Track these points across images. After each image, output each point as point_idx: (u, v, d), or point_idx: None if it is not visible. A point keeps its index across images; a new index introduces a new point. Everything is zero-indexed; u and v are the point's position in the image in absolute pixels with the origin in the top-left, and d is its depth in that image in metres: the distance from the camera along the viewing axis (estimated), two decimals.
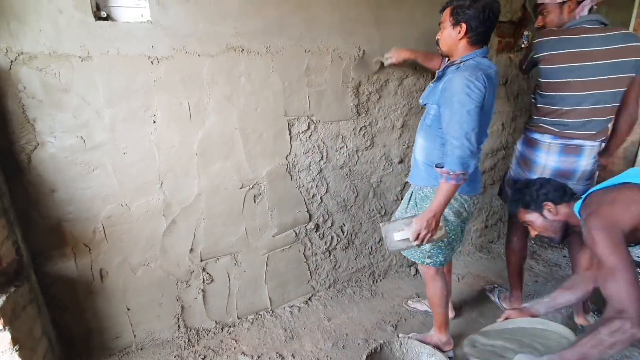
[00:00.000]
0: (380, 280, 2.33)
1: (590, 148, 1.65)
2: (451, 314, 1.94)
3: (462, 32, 1.31)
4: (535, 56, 1.65)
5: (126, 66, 1.44)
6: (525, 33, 2.29)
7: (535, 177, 1.66)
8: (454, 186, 1.29)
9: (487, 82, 1.25)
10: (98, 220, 1.56)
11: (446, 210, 1.41)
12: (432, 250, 1.56)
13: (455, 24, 1.32)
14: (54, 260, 1.55)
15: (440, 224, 1.39)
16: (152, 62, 1.47)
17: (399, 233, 1.41)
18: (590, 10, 1.57)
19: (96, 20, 1.37)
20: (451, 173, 1.27)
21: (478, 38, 1.33)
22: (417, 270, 2.41)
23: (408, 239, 1.39)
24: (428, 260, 1.59)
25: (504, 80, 2.34)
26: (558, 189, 1.37)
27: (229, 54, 1.58)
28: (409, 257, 1.66)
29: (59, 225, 1.51)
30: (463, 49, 1.35)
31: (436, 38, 1.45)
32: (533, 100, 1.78)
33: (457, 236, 1.56)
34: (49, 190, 1.46)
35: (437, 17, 1.63)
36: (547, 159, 1.70)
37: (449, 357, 1.69)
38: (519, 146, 1.85)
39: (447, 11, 1.36)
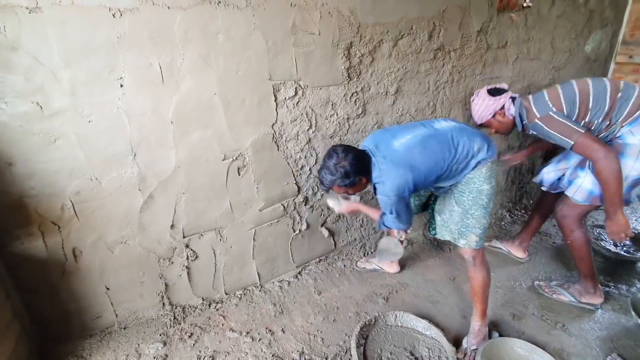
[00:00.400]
0: (372, 253, 2.28)
1: None
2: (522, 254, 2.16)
3: (365, 180, 1.45)
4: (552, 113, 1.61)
5: (83, 19, 1.24)
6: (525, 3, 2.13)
7: None
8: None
9: (394, 179, 1.38)
10: (65, 195, 1.42)
11: (493, 182, 1.46)
12: (482, 232, 1.50)
13: (354, 185, 1.43)
14: (19, 240, 1.42)
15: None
16: (113, 15, 1.27)
17: (333, 202, 1.72)
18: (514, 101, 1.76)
19: None
20: (381, 222, 1.59)
21: (367, 165, 1.43)
22: (407, 242, 2.37)
23: (335, 208, 1.72)
24: (482, 243, 1.53)
25: (503, 43, 2.20)
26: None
27: (203, 6, 1.39)
28: (464, 245, 1.53)
29: (21, 202, 1.36)
30: (366, 183, 1.49)
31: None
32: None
33: (493, 206, 1.54)
34: (5, 164, 1.30)
35: None
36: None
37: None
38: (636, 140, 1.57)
39: (337, 189, 1.47)
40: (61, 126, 1.32)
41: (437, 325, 1.64)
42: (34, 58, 1.22)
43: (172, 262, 1.72)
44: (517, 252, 2.21)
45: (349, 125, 1.91)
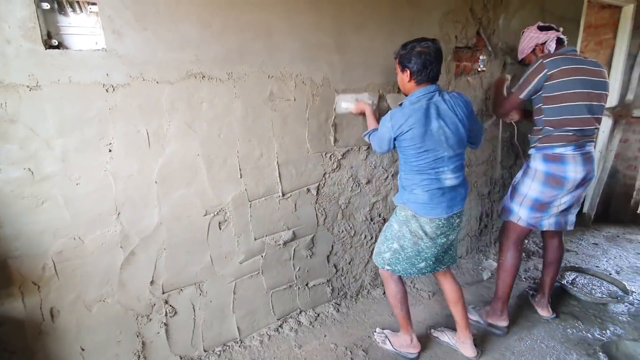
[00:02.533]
0: (354, 301, 2.31)
1: (594, 155, 1.86)
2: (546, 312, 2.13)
3: (408, 76, 1.57)
4: (548, 73, 1.75)
5: (79, 95, 1.39)
6: (482, 57, 2.42)
7: (564, 193, 1.81)
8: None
9: (404, 118, 1.51)
10: (48, 255, 1.46)
11: (404, 227, 1.67)
12: (391, 259, 1.73)
13: (402, 70, 1.59)
14: (0, 301, 1.43)
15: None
16: (107, 90, 1.43)
17: (345, 104, 1.97)
18: (560, 43, 1.89)
19: (46, 49, 1.32)
20: (365, 139, 1.89)
21: (423, 78, 1.55)
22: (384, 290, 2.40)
23: (348, 108, 1.97)
24: (388, 267, 1.76)
25: None
26: None
27: (189, 80, 1.57)
28: (375, 261, 1.82)
29: (5, 264, 1.40)
30: (412, 88, 1.60)
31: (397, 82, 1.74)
32: (540, 117, 1.86)
33: (413, 253, 1.68)
34: None
35: (397, 42, 1.71)
36: (576, 171, 1.77)
37: (411, 359, 1.85)
38: (540, 166, 1.85)
39: (397, 60, 1.62)
40: (49, 189, 1.41)
41: None
42: (30, 129, 1.34)
43: (150, 319, 1.72)
44: (542, 312, 2.15)
45: (325, 179, 2.04)
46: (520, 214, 1.90)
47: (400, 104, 1.60)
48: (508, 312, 1.98)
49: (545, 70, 1.75)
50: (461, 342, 1.85)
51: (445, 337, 1.94)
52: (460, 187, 1.64)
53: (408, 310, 1.82)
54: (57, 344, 1.56)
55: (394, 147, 1.62)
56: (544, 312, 2.13)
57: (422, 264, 1.70)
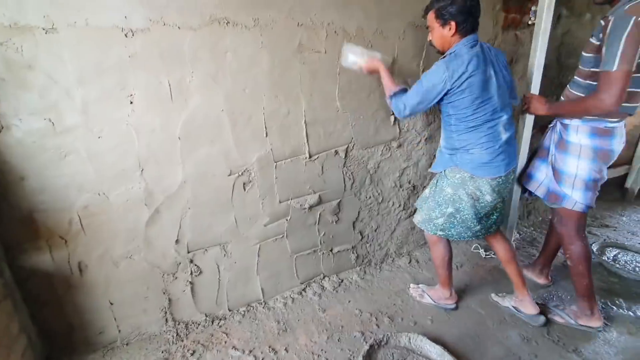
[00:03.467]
0: (378, 269, 2.25)
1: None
2: (544, 280, 2.07)
3: (453, 29, 1.41)
4: None
5: (97, 40, 1.29)
6: (533, 8, 2.14)
7: (606, 168, 1.61)
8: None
9: (464, 64, 1.36)
10: (73, 210, 1.44)
11: (460, 190, 1.57)
12: (445, 224, 1.66)
13: (444, 23, 1.42)
14: (28, 254, 1.44)
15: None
16: (126, 35, 1.32)
17: (354, 57, 1.65)
18: None
19: None
20: (390, 101, 1.61)
21: (468, 28, 1.41)
22: (411, 258, 2.33)
23: (356, 62, 1.65)
24: (440, 233, 1.70)
25: (509, 60, 2.21)
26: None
27: (212, 26, 1.44)
28: (423, 228, 1.75)
29: (31, 217, 1.39)
30: (455, 42, 1.45)
31: (428, 39, 1.56)
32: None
33: (470, 216, 1.60)
34: (18, 178, 1.33)
35: None
36: (620, 144, 1.57)
37: (451, 309, 1.89)
38: (585, 141, 1.57)
39: (432, 14, 1.45)
40: (73, 142, 1.36)
41: (452, 352, 1.58)
42: (49, 77, 1.27)
43: (176, 278, 1.71)
44: (539, 279, 2.07)
45: (354, 141, 1.92)
46: (575, 196, 1.61)
47: (445, 56, 1.44)
48: (597, 310, 1.74)
49: None
50: (520, 301, 1.79)
51: (506, 302, 1.87)
52: (513, 139, 1.57)
53: (451, 270, 1.85)
54: (86, 297, 1.58)
55: (437, 103, 1.47)
56: (545, 280, 2.06)
57: (478, 227, 1.64)
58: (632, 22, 1.26)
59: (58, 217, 1.43)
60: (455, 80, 1.37)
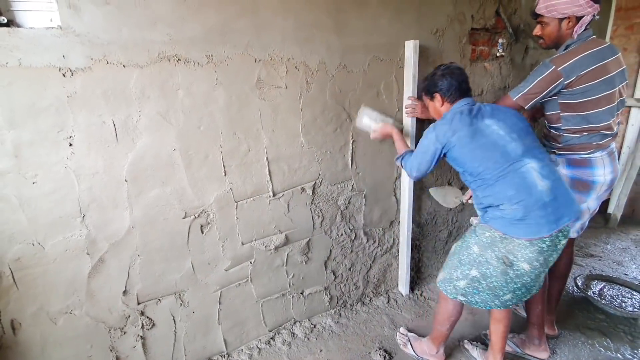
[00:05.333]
0: (354, 311, 2.10)
1: (616, 151, 1.62)
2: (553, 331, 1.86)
3: (440, 100, 1.50)
4: (566, 82, 1.44)
5: (31, 80, 1.20)
6: (500, 41, 2.16)
7: (593, 197, 1.58)
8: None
9: (448, 123, 1.40)
10: (4, 262, 1.29)
11: (488, 251, 1.36)
12: (466, 288, 1.45)
13: (432, 98, 1.53)
14: None
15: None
16: (64, 75, 1.23)
17: (369, 120, 1.76)
18: (589, 23, 1.48)
19: None
20: (399, 163, 1.66)
21: (455, 94, 1.47)
22: (389, 298, 2.20)
23: (371, 126, 1.76)
24: (461, 298, 1.49)
25: (479, 91, 2.19)
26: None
27: (161, 64, 1.36)
28: (442, 289, 1.55)
29: None
30: (446, 109, 1.51)
31: (430, 114, 1.66)
32: (559, 125, 1.57)
33: (499, 284, 1.36)
34: None
35: (404, 22, 1.47)
36: (605, 174, 1.54)
37: None
38: (564, 171, 1.60)
39: (423, 95, 1.59)
40: (2, 189, 1.23)
41: None
42: None
43: (125, 332, 1.55)
44: (549, 331, 1.85)
45: (321, 177, 1.83)
46: None
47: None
48: (544, 341, 1.71)
49: (562, 79, 1.44)
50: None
51: (475, 352, 1.76)
52: (560, 187, 1.31)
53: (452, 330, 1.65)
54: (21, 359, 1.40)
55: (437, 162, 1.46)
56: (549, 330, 1.85)
57: (508, 296, 1.38)
58: (550, 70, 1.45)
59: None
60: (443, 138, 1.39)
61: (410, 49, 1.78)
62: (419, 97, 1.62)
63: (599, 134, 1.51)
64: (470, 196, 1.79)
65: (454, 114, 1.41)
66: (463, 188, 2.11)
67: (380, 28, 1.76)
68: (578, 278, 2.24)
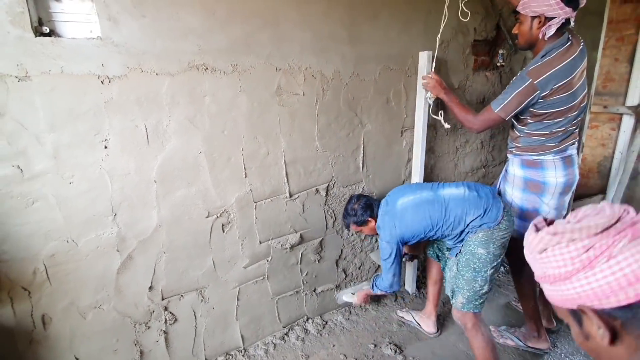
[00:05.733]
0: (363, 308, 2.19)
1: (576, 157, 1.71)
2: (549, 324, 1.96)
3: (373, 221, 1.75)
4: (541, 95, 1.52)
5: (72, 86, 1.28)
6: (501, 52, 2.28)
7: (548, 198, 1.69)
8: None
9: (387, 229, 1.65)
10: (39, 259, 1.36)
11: (491, 246, 1.49)
12: (488, 291, 1.54)
13: (365, 225, 1.78)
14: None
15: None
16: (102, 82, 1.32)
17: (347, 298, 2.01)
18: (563, 27, 1.51)
19: (36, 37, 1.21)
20: (379, 290, 1.81)
21: (376, 210, 1.75)
22: (396, 296, 2.29)
23: (350, 301, 2.02)
24: (468, 306, 1.54)
25: (480, 99, 2.31)
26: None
27: (191, 72, 1.46)
28: (470, 309, 1.54)
29: None
30: (375, 221, 1.75)
31: (366, 235, 2.10)
32: (523, 128, 1.67)
33: (495, 269, 1.53)
34: None
35: (412, 34, 1.58)
36: (556, 176, 1.66)
37: None
38: (518, 171, 1.74)
39: (354, 227, 1.81)
40: (40, 188, 1.31)
41: None
42: (19, 123, 1.24)
43: (149, 327, 1.62)
44: (547, 325, 1.95)
45: (334, 179, 1.93)
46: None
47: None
48: (544, 332, 1.82)
49: (538, 92, 1.51)
50: (425, 318, 1.99)
51: (409, 316, 2.05)
52: (475, 187, 1.63)
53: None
54: (50, 353, 1.47)
55: (401, 258, 1.67)
56: (548, 324, 1.95)
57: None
58: (527, 83, 1.52)
59: (21, 267, 1.35)
60: (393, 237, 1.60)
61: (424, 59, 1.90)
62: (347, 228, 1.87)
63: (556, 137, 1.62)
64: (405, 253, 1.96)
65: (381, 220, 1.68)
66: None
67: (391, 39, 1.87)
68: None
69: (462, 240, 1.54)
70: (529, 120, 1.64)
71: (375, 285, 1.78)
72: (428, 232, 1.57)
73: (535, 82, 1.51)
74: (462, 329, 1.62)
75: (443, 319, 2.07)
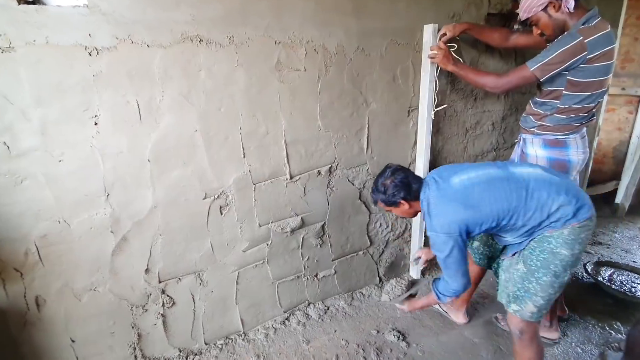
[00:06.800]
0: (365, 294, 2.14)
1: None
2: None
3: (406, 204, 1.40)
4: (588, 56, 1.39)
5: (58, 58, 1.21)
6: (516, 27, 2.14)
7: (573, 176, 1.63)
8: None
9: (442, 218, 1.30)
10: (30, 240, 1.32)
11: (577, 247, 1.23)
12: (543, 301, 1.26)
13: (397, 205, 1.42)
14: None
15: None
16: (90, 54, 1.24)
17: (399, 304, 1.75)
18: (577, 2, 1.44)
19: (20, 4, 1.14)
20: (445, 298, 1.43)
21: (415, 193, 1.39)
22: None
23: (402, 309, 1.72)
24: (537, 315, 1.29)
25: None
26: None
27: (184, 44, 1.37)
28: (537, 319, 1.31)
29: None
30: (416, 206, 1.43)
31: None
32: (555, 102, 1.56)
33: (572, 274, 1.33)
34: None
35: (422, 5, 1.47)
36: (577, 154, 1.60)
37: None
38: (540, 152, 1.63)
39: (381, 205, 1.48)
40: (29, 166, 1.26)
41: None
42: (4, 97, 1.18)
43: (146, 310, 1.58)
44: (559, 312, 1.86)
45: (337, 160, 1.85)
46: None
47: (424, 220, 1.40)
48: (556, 322, 1.77)
49: (586, 52, 1.39)
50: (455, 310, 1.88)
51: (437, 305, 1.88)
52: (568, 186, 1.29)
53: None
54: (45, 335, 1.44)
55: (465, 253, 1.32)
56: (560, 311, 1.85)
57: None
58: (577, 40, 1.39)
59: (12, 248, 1.31)
60: (450, 228, 1.26)
61: (429, 33, 1.77)
62: (375, 204, 1.54)
63: (582, 117, 1.54)
64: (419, 257, 1.81)
65: (434, 207, 1.31)
66: None
67: (398, 12, 1.75)
68: (587, 264, 2.26)
69: (532, 234, 1.27)
70: (564, 92, 1.51)
71: (440, 293, 1.42)
72: (502, 220, 1.24)
73: (585, 40, 1.38)
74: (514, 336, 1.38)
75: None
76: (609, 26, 1.43)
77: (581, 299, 2.04)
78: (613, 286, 2.08)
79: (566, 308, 1.89)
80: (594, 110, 1.55)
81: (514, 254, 1.36)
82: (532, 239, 1.28)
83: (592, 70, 1.44)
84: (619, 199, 3.24)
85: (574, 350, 1.70)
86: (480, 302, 2.05)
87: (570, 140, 1.58)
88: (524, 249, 1.31)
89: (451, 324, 1.90)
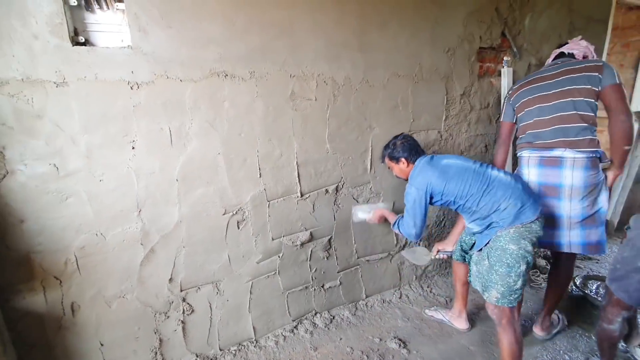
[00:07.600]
0: (368, 305, 2.27)
1: (572, 159, 1.61)
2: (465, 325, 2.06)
3: (405, 162, 1.80)
4: (509, 92, 1.94)
5: (104, 92, 1.39)
6: (506, 59, 2.36)
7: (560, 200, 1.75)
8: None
9: (421, 178, 1.67)
10: (70, 251, 1.48)
11: (523, 242, 1.47)
12: (522, 286, 1.50)
13: (397, 162, 1.82)
14: (21, 295, 1.45)
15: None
16: (131, 88, 1.43)
17: (362, 214, 2.08)
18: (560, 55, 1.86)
19: (73, 46, 1.33)
20: (397, 230, 1.88)
21: (415, 155, 1.79)
22: (401, 294, 2.37)
23: (365, 218, 2.08)
24: (502, 300, 1.51)
25: (485, 104, 2.38)
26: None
27: (212, 79, 1.56)
28: (505, 304, 1.51)
29: (28, 258, 1.42)
30: (410, 168, 1.80)
31: (395, 175, 1.92)
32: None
33: (527, 265, 1.50)
34: (17, 221, 1.37)
35: (420, 41, 1.67)
36: (529, 173, 1.78)
37: None
38: (536, 171, 1.77)
39: (387, 160, 1.89)
40: (74, 185, 1.42)
41: None
42: (56, 125, 1.35)
43: (168, 317, 1.72)
44: (541, 332, 1.98)
45: (343, 180, 2.02)
46: None
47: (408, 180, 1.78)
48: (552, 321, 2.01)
49: (510, 91, 1.96)
50: (455, 316, 2.08)
51: (439, 315, 2.14)
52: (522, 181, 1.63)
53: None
54: (77, 338, 1.58)
55: (426, 210, 1.68)
56: (537, 329, 1.98)
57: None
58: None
59: (54, 258, 1.46)
60: (423, 185, 1.64)
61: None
62: (382, 160, 1.93)
63: (529, 135, 1.82)
64: (438, 251, 2.03)
65: (420, 168, 1.71)
66: (429, 245, 2.27)
67: (399, 47, 1.96)
68: (577, 278, 2.41)
69: (489, 228, 1.55)
70: (517, 116, 1.92)
71: (398, 225, 1.84)
72: (458, 199, 1.58)
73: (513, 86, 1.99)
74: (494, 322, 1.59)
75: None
76: (568, 62, 1.76)
77: (570, 310, 2.19)
78: (599, 298, 2.23)
79: (564, 317, 2.06)
80: (544, 127, 1.74)
81: (480, 250, 1.61)
82: (490, 238, 1.54)
83: (516, 98, 1.90)
84: (608, 215, 3.40)
85: (562, 357, 1.84)
86: (475, 313, 2.19)
87: (523, 158, 1.84)
88: (486, 245, 1.57)
89: (449, 332, 2.03)
